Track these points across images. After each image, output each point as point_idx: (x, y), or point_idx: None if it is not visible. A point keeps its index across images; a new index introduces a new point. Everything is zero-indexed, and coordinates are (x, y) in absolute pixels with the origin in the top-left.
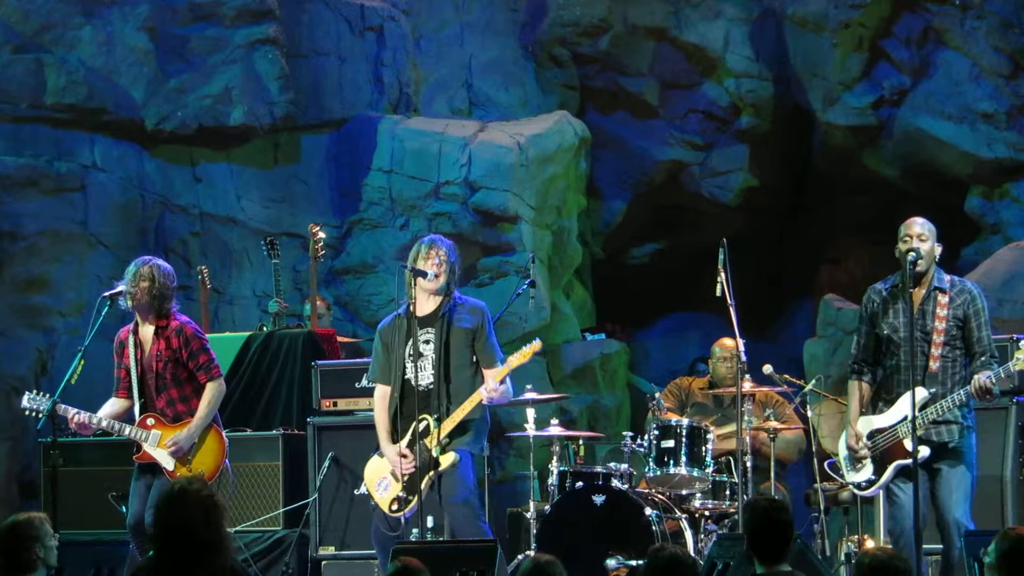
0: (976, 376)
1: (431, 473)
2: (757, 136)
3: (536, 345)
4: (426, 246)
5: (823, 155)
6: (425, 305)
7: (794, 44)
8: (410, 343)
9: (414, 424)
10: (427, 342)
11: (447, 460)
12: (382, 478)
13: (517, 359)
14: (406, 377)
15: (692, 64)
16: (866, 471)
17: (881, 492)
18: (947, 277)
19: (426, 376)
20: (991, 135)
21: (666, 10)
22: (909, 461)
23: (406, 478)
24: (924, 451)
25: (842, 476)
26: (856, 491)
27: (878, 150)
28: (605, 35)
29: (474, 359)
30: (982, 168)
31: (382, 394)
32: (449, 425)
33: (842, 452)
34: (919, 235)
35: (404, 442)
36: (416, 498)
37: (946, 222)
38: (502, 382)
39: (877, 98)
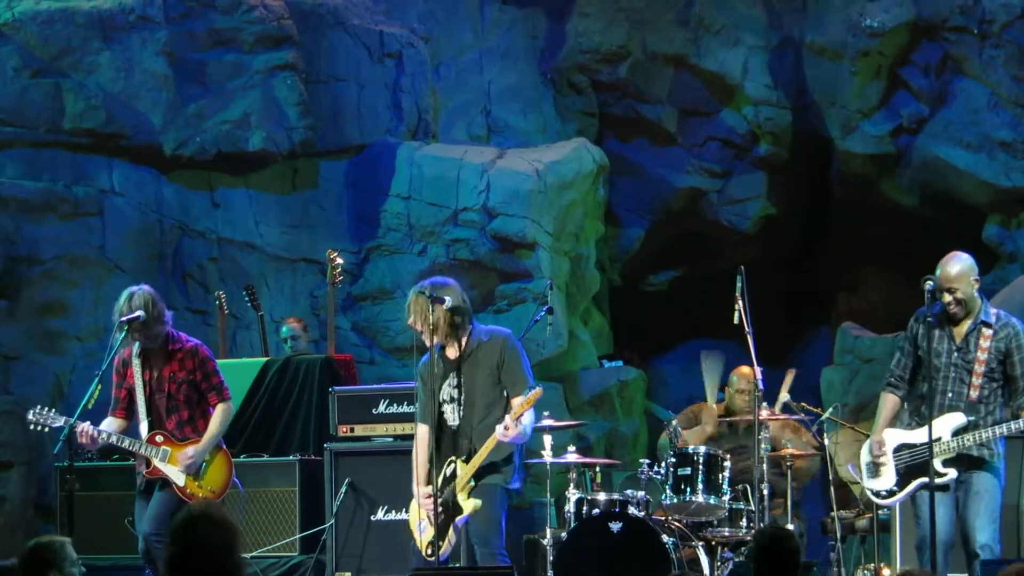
0: None
1: (456, 518)
2: (775, 164)
3: (537, 392)
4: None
5: (841, 183)
6: (452, 346)
7: (812, 72)
8: (444, 386)
9: (444, 467)
10: (456, 387)
11: (469, 507)
12: (421, 519)
13: (522, 406)
14: (443, 418)
15: (711, 92)
16: (887, 480)
17: (898, 514)
18: (993, 311)
19: (456, 419)
20: (1009, 164)
21: (685, 37)
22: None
23: (438, 522)
24: (952, 473)
25: (861, 479)
26: (873, 498)
27: (896, 178)
28: (624, 62)
29: (503, 393)
30: (1000, 197)
31: (421, 435)
32: (470, 470)
33: (864, 458)
34: (939, 268)
35: (436, 483)
36: (446, 542)
37: (963, 250)
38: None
39: (895, 126)
